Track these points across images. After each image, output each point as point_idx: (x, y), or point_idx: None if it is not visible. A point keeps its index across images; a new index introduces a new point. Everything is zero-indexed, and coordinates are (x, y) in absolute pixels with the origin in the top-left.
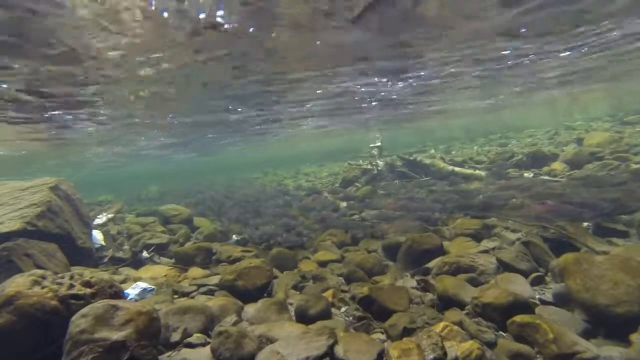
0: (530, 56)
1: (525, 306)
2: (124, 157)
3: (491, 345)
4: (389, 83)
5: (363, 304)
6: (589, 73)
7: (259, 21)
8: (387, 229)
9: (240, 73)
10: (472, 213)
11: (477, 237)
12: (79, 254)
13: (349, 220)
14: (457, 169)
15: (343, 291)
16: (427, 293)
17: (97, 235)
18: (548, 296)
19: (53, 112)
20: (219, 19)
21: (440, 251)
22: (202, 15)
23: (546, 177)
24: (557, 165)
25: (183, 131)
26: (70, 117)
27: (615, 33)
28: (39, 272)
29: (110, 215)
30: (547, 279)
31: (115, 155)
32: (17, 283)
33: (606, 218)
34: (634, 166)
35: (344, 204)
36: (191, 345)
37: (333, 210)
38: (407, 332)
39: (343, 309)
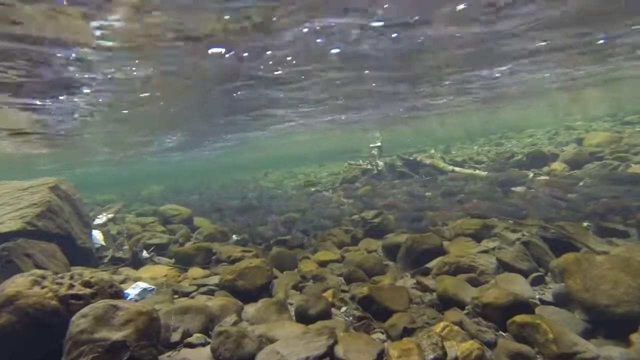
0: None
1: (525, 306)
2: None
3: (491, 345)
4: None
5: (363, 304)
6: None
7: None
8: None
9: None
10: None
11: (477, 237)
12: (79, 254)
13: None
14: (457, 169)
15: (343, 291)
16: (427, 293)
17: (97, 235)
18: (548, 296)
19: None
20: None
21: (441, 251)
22: None
23: (545, 177)
24: (557, 165)
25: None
26: None
27: None
28: (39, 272)
29: (110, 215)
30: (547, 279)
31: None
32: (17, 283)
33: None
34: (634, 166)
35: (347, 203)
36: (191, 345)
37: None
38: (407, 332)
39: (343, 309)
